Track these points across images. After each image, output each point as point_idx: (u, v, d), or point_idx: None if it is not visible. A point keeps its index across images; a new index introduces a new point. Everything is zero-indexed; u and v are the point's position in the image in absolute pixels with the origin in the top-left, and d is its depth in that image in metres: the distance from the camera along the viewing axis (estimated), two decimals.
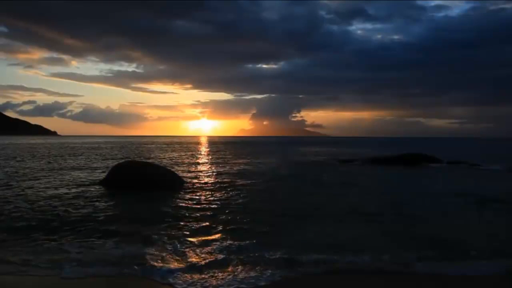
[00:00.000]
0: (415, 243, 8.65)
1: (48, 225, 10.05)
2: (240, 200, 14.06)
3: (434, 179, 22.35)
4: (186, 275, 6.66)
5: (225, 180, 20.34)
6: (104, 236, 9.03)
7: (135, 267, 6.97)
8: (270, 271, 6.81)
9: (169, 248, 8.08)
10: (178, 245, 8.28)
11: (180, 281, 6.40)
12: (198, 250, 7.99)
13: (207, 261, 7.34)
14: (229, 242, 8.57)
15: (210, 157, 42.39)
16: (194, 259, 7.46)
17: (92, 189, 16.48)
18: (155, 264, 7.14)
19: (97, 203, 13.22)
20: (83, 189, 16.45)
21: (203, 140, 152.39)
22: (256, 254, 7.64)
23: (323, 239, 8.84)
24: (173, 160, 35.81)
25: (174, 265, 7.15)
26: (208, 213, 11.73)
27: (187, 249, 8.06)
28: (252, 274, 6.70)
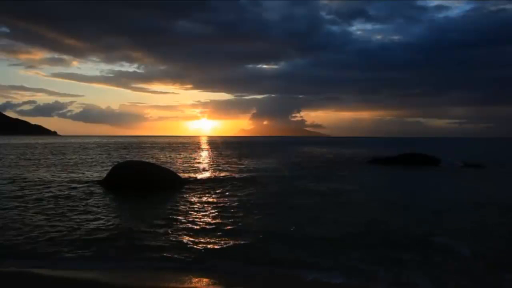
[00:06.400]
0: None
1: (47, 226, 10.07)
2: (240, 200, 14.04)
3: (434, 179, 22.34)
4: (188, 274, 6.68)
5: (225, 180, 20.33)
6: (104, 237, 9.06)
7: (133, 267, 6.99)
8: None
9: (170, 249, 8.09)
10: (178, 246, 8.29)
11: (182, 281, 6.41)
12: (197, 251, 7.98)
13: (206, 261, 7.36)
14: (229, 242, 8.55)
15: (210, 157, 42.37)
16: (192, 260, 7.50)
17: (92, 189, 16.47)
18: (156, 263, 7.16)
19: (97, 204, 13.23)
20: (83, 189, 16.45)
21: (203, 140, 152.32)
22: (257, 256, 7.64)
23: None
24: (173, 160, 35.81)
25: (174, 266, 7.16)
26: (208, 213, 11.75)
27: (186, 250, 8.07)
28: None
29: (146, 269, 6.96)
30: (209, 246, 8.29)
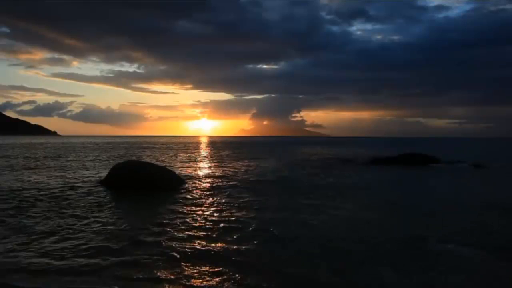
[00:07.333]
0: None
1: (43, 228, 10.04)
2: (240, 202, 13.99)
3: (434, 179, 22.32)
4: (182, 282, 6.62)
5: (225, 180, 20.31)
6: (99, 241, 9.01)
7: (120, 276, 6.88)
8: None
9: (167, 253, 7.99)
10: (176, 250, 8.21)
11: None
12: (196, 255, 7.89)
13: (205, 266, 7.32)
14: (228, 246, 8.43)
15: (210, 157, 42.34)
16: (191, 264, 7.45)
17: (92, 189, 16.45)
18: (149, 272, 7.01)
19: (96, 203, 13.19)
20: (82, 189, 16.42)
21: (203, 140, 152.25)
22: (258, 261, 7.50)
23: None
24: (173, 160, 35.78)
25: (171, 273, 7.09)
26: (207, 217, 11.65)
27: (184, 253, 8.02)
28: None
29: (140, 279, 6.66)
30: (207, 257, 7.66)
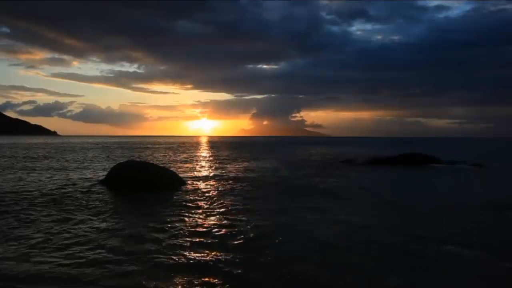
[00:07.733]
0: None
1: (48, 224, 10.04)
2: (239, 203, 13.99)
3: (434, 179, 22.31)
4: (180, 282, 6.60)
5: (225, 180, 20.31)
6: (103, 239, 9.01)
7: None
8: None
9: (167, 254, 8.00)
10: (176, 250, 8.21)
11: None
12: (196, 255, 7.89)
13: (205, 266, 7.30)
14: (228, 246, 8.42)
15: (210, 157, 42.34)
16: (191, 264, 7.44)
17: (92, 189, 16.45)
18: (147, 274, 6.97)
19: (96, 203, 13.20)
20: (83, 189, 16.42)
21: (203, 140, 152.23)
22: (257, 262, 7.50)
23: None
24: (173, 160, 35.78)
25: (171, 273, 7.08)
26: (207, 215, 11.69)
27: (184, 254, 8.01)
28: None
29: (140, 279, 6.60)
30: (207, 257, 7.69)
